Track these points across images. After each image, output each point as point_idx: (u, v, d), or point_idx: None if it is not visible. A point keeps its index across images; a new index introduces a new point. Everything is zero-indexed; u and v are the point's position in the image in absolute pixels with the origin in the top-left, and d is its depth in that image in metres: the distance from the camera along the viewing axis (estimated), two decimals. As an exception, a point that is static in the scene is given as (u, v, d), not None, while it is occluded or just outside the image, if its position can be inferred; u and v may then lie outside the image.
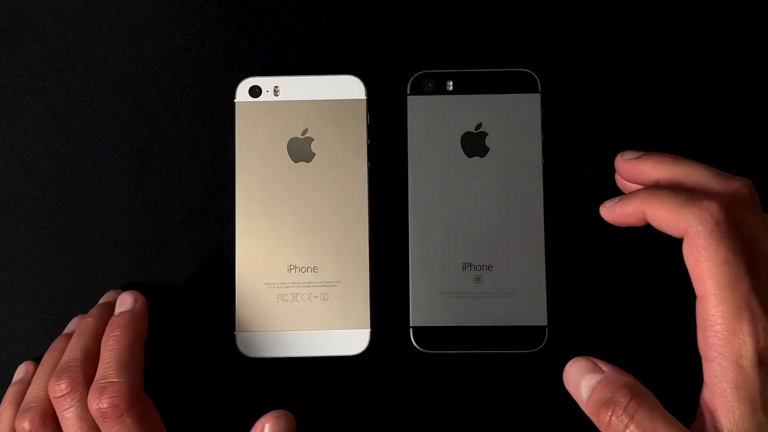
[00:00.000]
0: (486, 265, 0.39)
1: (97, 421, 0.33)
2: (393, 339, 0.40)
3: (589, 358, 0.32)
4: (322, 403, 0.40)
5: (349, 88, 0.40)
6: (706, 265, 0.30)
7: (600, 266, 0.40)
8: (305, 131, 0.40)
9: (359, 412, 0.40)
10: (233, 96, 0.41)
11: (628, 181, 0.38)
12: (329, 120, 0.40)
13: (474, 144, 0.40)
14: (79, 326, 0.38)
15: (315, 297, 0.39)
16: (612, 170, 0.40)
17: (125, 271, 0.41)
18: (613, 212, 0.36)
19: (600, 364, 0.32)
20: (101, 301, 0.40)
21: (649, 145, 0.41)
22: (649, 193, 0.33)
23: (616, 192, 0.40)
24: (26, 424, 0.34)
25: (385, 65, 0.42)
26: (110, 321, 0.37)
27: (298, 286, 0.39)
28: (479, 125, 0.40)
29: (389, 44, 0.42)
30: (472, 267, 0.39)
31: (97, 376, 0.34)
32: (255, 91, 0.40)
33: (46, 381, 0.36)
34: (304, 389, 0.40)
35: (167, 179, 0.41)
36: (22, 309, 0.41)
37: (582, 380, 0.32)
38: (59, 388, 0.34)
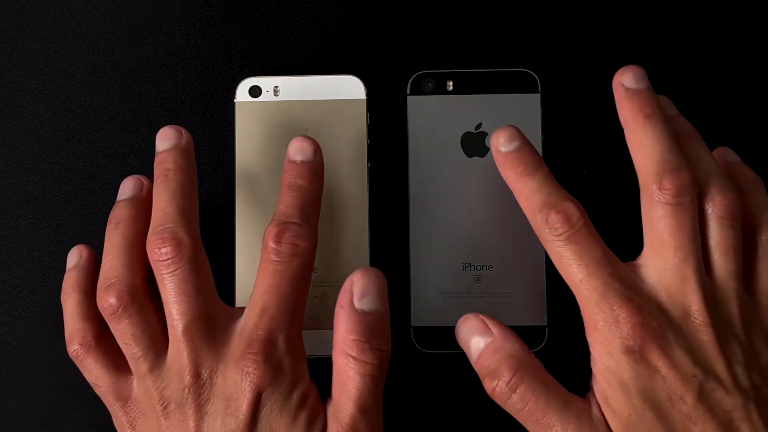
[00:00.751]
0: (486, 265, 0.39)
1: (264, 257, 0.32)
2: (393, 339, 0.40)
3: (480, 316, 0.34)
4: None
5: (349, 88, 0.40)
6: (562, 270, 0.33)
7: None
8: (305, 131, 0.40)
9: (359, 412, 0.40)
10: (233, 96, 0.41)
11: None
12: (329, 120, 0.40)
13: (474, 144, 0.40)
14: (162, 182, 0.34)
15: (315, 297, 0.39)
16: (612, 172, 0.40)
17: (125, 271, 0.40)
18: (497, 158, 0.35)
19: (490, 325, 0.33)
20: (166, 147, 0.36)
21: (649, 145, 0.41)
22: (523, 180, 0.34)
23: (616, 192, 0.40)
24: (113, 300, 0.32)
25: (385, 65, 0.42)
26: (292, 171, 0.35)
27: (298, 286, 0.39)
28: (479, 125, 0.40)
29: (389, 44, 0.42)
30: (472, 267, 0.39)
31: (279, 214, 0.33)
32: (255, 91, 0.40)
33: (122, 254, 0.34)
34: (304, 389, 0.40)
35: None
36: (22, 309, 0.41)
37: (471, 341, 0.33)
38: (165, 251, 0.32)
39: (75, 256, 0.37)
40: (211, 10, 0.42)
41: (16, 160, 0.41)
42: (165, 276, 0.32)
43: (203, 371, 0.31)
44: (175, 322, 0.32)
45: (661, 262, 0.32)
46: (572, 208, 0.32)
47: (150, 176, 0.41)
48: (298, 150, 0.36)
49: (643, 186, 0.33)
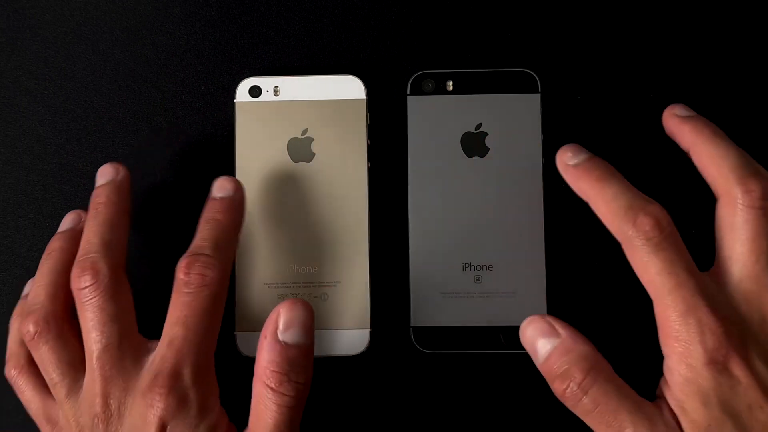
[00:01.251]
0: (486, 265, 0.39)
1: (175, 289, 0.33)
2: (393, 339, 0.40)
3: (546, 318, 0.33)
4: (322, 403, 0.40)
5: (349, 88, 0.40)
6: (646, 278, 0.32)
7: (600, 266, 0.40)
8: (305, 131, 0.40)
9: (359, 412, 0.40)
10: (233, 96, 0.41)
11: (670, 137, 0.37)
12: (329, 120, 0.40)
13: (474, 144, 0.40)
14: (89, 216, 0.36)
15: (315, 297, 0.39)
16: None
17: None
18: (567, 173, 0.35)
19: (557, 327, 0.32)
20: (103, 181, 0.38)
21: (649, 145, 0.41)
22: (599, 184, 0.33)
23: (616, 192, 0.40)
24: (31, 327, 0.34)
25: (385, 65, 0.42)
26: (212, 207, 0.36)
27: (298, 286, 0.39)
28: (479, 125, 0.40)
29: (389, 44, 0.42)
30: (472, 267, 0.39)
31: (192, 248, 0.34)
32: (255, 91, 0.40)
33: (47, 283, 0.35)
34: (304, 389, 0.40)
35: (167, 179, 0.41)
36: (22, 309, 0.41)
37: (538, 342, 0.32)
38: (83, 280, 0.33)
39: (28, 287, 0.39)
40: (211, 10, 0.42)
41: (16, 160, 0.41)
42: (83, 304, 0.33)
43: (112, 402, 0.32)
44: (90, 350, 0.33)
45: (741, 269, 0.31)
46: (661, 213, 0.32)
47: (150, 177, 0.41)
48: (219, 188, 0.37)
49: (724, 193, 0.33)
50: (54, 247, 0.37)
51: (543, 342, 0.32)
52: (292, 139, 0.40)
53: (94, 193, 0.37)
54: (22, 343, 0.35)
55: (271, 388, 0.31)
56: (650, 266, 0.31)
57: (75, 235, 0.37)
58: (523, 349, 0.39)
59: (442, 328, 0.39)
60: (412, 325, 0.39)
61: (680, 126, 0.35)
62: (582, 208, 0.41)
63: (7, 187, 0.41)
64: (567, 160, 0.35)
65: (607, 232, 0.40)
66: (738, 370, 0.30)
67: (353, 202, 0.40)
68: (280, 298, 0.39)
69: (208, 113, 0.41)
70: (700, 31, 0.41)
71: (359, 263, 0.39)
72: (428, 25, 0.42)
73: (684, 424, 0.30)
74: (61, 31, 0.42)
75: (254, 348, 0.39)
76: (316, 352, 0.39)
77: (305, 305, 0.33)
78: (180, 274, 0.33)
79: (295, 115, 0.40)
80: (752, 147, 0.41)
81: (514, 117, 0.40)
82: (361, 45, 0.42)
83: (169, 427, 0.31)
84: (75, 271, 0.33)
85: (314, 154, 0.40)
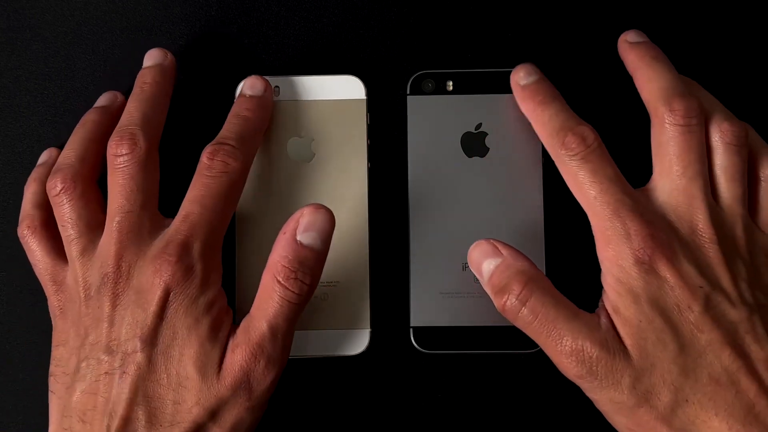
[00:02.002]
0: (486, 265, 0.39)
1: (198, 172, 0.35)
2: (393, 339, 0.40)
3: (491, 241, 0.35)
4: (322, 403, 0.40)
5: (349, 88, 0.40)
6: (575, 191, 0.34)
7: (600, 266, 0.40)
8: (305, 131, 0.40)
9: (359, 412, 0.40)
10: (234, 96, 0.41)
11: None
12: (329, 120, 0.40)
13: (474, 144, 0.40)
14: (135, 91, 0.38)
15: (315, 297, 0.39)
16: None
17: (125, 271, 0.40)
18: (516, 92, 0.38)
19: (500, 248, 0.35)
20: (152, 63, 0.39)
21: (649, 146, 0.41)
22: (540, 108, 0.36)
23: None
24: (58, 183, 0.35)
25: (385, 65, 0.42)
26: (241, 101, 0.38)
27: (298, 286, 0.39)
28: (479, 125, 0.40)
29: (389, 44, 0.42)
30: (472, 267, 0.39)
31: (218, 138, 0.36)
32: (255, 91, 0.40)
33: (78, 147, 0.37)
34: (304, 389, 0.40)
35: (167, 179, 0.41)
36: (22, 309, 0.41)
37: (483, 263, 0.35)
38: (120, 148, 0.35)
39: (45, 155, 0.40)
40: (211, 10, 0.42)
41: (16, 160, 0.41)
42: (116, 169, 0.35)
43: (123, 263, 0.33)
44: (112, 213, 0.34)
45: (670, 182, 0.34)
46: (587, 131, 0.34)
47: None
48: (249, 86, 0.39)
49: (653, 112, 0.35)
50: (88, 119, 0.38)
51: (487, 262, 0.34)
52: (292, 139, 0.40)
53: (141, 73, 0.38)
54: (38, 206, 0.37)
55: (279, 282, 0.33)
56: (579, 179, 0.34)
57: (109, 111, 0.39)
58: (524, 349, 0.39)
59: (442, 328, 0.39)
60: (411, 325, 0.39)
61: (627, 51, 0.37)
62: (582, 208, 0.41)
63: (7, 187, 0.41)
64: (519, 80, 0.38)
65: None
66: (665, 270, 0.31)
67: (353, 202, 0.40)
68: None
69: (209, 113, 0.41)
70: (700, 31, 0.41)
71: (359, 263, 0.39)
72: (428, 25, 0.42)
73: (617, 323, 0.32)
74: (61, 31, 0.42)
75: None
76: (317, 352, 0.39)
77: (327, 212, 0.34)
78: (204, 158, 0.35)
79: (295, 115, 0.40)
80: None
81: (514, 117, 0.40)
82: (361, 45, 0.42)
83: (171, 293, 0.33)
84: (114, 139, 0.35)
85: (314, 154, 0.40)
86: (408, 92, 0.41)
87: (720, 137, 0.34)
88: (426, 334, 0.39)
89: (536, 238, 0.39)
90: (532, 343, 0.39)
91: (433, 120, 0.40)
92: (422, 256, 0.39)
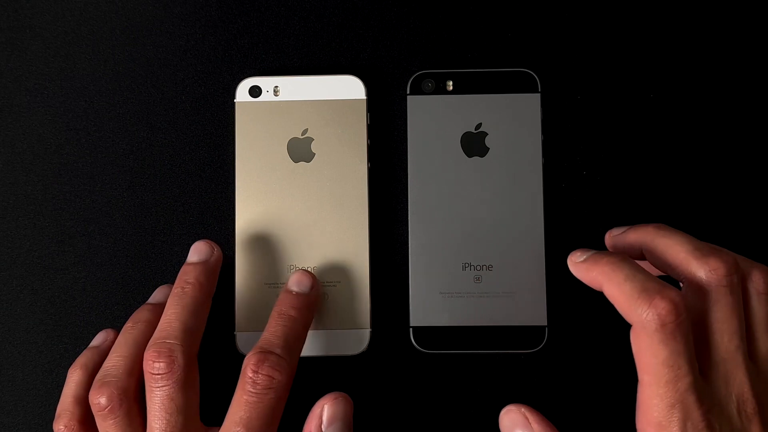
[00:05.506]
0: (486, 265, 0.39)
1: (240, 385, 0.34)
2: (393, 339, 0.40)
3: (523, 410, 0.34)
4: (322, 403, 0.40)
5: (349, 88, 0.40)
6: (646, 361, 0.30)
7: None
8: (305, 131, 0.40)
9: (359, 412, 0.40)
10: (233, 96, 0.41)
11: (620, 250, 0.37)
12: (329, 120, 0.40)
13: (474, 144, 0.40)
14: (176, 293, 0.36)
15: (315, 297, 0.39)
16: (612, 172, 0.41)
17: (125, 271, 0.41)
18: (578, 269, 0.35)
19: (531, 420, 0.33)
20: (197, 258, 0.38)
21: (649, 145, 0.41)
22: (610, 269, 0.32)
23: (615, 192, 0.41)
24: (103, 399, 0.34)
25: (385, 65, 0.42)
26: (289, 299, 0.36)
27: (298, 286, 0.39)
28: (479, 125, 0.40)
29: (389, 44, 0.42)
30: (472, 267, 0.39)
31: (262, 342, 0.34)
32: (255, 91, 0.40)
33: (125, 356, 0.35)
34: (305, 389, 0.40)
35: (167, 179, 0.41)
36: (22, 309, 0.41)
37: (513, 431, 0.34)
38: (158, 366, 0.33)
39: (101, 338, 0.39)
40: (211, 10, 0.42)
41: (16, 160, 0.41)
42: (154, 389, 0.34)
43: None
44: None
45: (716, 351, 0.31)
46: (678, 297, 0.30)
47: (150, 178, 0.41)
48: (295, 282, 0.37)
49: (688, 275, 0.32)
50: (141, 317, 0.37)
51: (516, 430, 0.34)
52: (292, 139, 0.40)
53: (184, 269, 0.37)
54: (78, 402, 0.36)
55: None
56: (656, 353, 0.30)
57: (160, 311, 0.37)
58: (524, 349, 0.39)
59: (442, 328, 0.39)
60: (411, 325, 0.39)
61: (623, 238, 0.36)
62: (582, 208, 0.41)
63: (7, 187, 0.41)
64: (576, 259, 0.35)
65: (606, 229, 0.40)
66: None
67: (353, 202, 0.40)
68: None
69: (208, 113, 0.41)
70: (700, 31, 0.41)
71: (359, 263, 0.39)
72: (428, 25, 0.42)
73: None
74: (61, 31, 0.42)
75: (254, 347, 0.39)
76: (317, 352, 0.39)
77: (346, 399, 0.34)
78: (248, 370, 0.33)
79: (295, 115, 0.40)
80: (752, 147, 0.41)
81: (514, 117, 0.40)
82: (361, 45, 0.42)
83: None
84: (150, 354, 0.34)
85: (314, 154, 0.40)
86: (408, 92, 0.41)
87: (752, 288, 0.32)
88: (426, 334, 0.39)
89: (536, 238, 0.39)
90: (532, 343, 0.39)
91: (433, 120, 0.40)
92: (422, 256, 0.39)
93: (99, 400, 0.34)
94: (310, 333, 0.39)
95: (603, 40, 0.41)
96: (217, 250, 0.38)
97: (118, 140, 0.41)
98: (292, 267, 0.39)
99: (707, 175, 0.41)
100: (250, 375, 0.33)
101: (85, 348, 0.40)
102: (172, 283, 0.37)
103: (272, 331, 0.35)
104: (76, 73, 0.42)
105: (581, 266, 0.34)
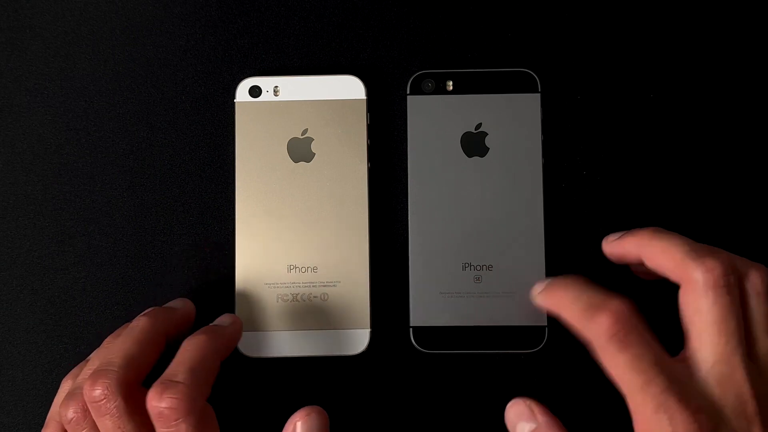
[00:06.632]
0: (486, 265, 0.39)
1: (153, 420, 0.32)
2: (393, 339, 0.40)
3: (528, 403, 0.34)
4: (322, 403, 0.40)
5: (349, 88, 0.40)
6: (614, 373, 0.31)
7: (600, 266, 0.40)
8: (305, 131, 0.40)
9: (359, 412, 0.40)
10: (233, 96, 0.41)
11: (618, 263, 0.37)
12: (329, 120, 0.40)
13: (474, 144, 0.40)
14: (130, 325, 0.35)
15: (315, 297, 0.39)
16: (612, 172, 0.41)
17: (125, 271, 0.41)
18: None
19: (536, 412, 0.34)
20: (168, 305, 0.38)
21: (649, 145, 0.41)
22: (559, 295, 0.34)
23: (615, 192, 0.41)
24: (70, 413, 0.33)
25: (385, 65, 0.42)
26: (202, 329, 0.36)
27: (298, 286, 0.39)
28: (479, 125, 0.40)
29: (389, 44, 0.42)
30: (472, 267, 0.39)
31: (165, 373, 0.33)
32: (255, 91, 0.40)
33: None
34: (305, 389, 0.40)
35: (167, 179, 0.41)
36: (22, 309, 0.41)
37: (517, 425, 0.34)
38: (95, 394, 0.32)
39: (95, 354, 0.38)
40: (211, 10, 0.42)
41: (16, 160, 0.41)
42: (97, 417, 0.33)
43: None
44: None
45: (712, 354, 0.31)
46: (621, 306, 0.31)
47: (150, 178, 0.41)
48: (217, 319, 0.38)
49: (683, 276, 0.32)
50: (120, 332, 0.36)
51: (522, 425, 0.34)
52: (292, 139, 0.40)
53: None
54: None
55: None
56: (618, 363, 0.31)
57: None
58: (524, 349, 0.39)
59: (442, 328, 0.39)
60: (411, 325, 0.39)
61: (620, 244, 0.36)
62: (582, 208, 0.41)
63: (7, 187, 0.41)
64: (535, 291, 0.36)
65: (605, 234, 0.40)
66: None
67: (353, 202, 0.40)
68: (280, 299, 0.39)
69: (208, 113, 0.41)
70: (700, 31, 0.41)
71: (359, 263, 0.39)
72: (428, 25, 0.42)
73: None
74: (61, 31, 0.42)
75: (254, 348, 0.39)
76: (317, 352, 0.39)
77: (320, 413, 0.34)
78: (149, 407, 0.32)
79: (295, 115, 0.40)
80: (752, 147, 0.41)
81: (514, 117, 0.40)
82: (361, 45, 0.42)
83: None
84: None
85: (314, 154, 0.40)
86: (408, 92, 0.41)
87: (750, 288, 0.32)
88: (426, 334, 0.39)
89: (536, 238, 0.39)
90: (532, 343, 0.39)
91: (433, 120, 0.40)
92: (422, 256, 0.39)
93: (66, 413, 0.33)
94: (310, 333, 0.39)
95: (603, 40, 0.41)
96: (188, 305, 0.38)
97: (118, 140, 0.41)
98: (292, 267, 0.39)
99: (707, 175, 0.41)
100: (154, 411, 0.32)
101: (84, 349, 0.40)
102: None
103: (176, 360, 0.34)
104: (76, 73, 0.42)
105: (539, 298, 0.36)
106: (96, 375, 0.33)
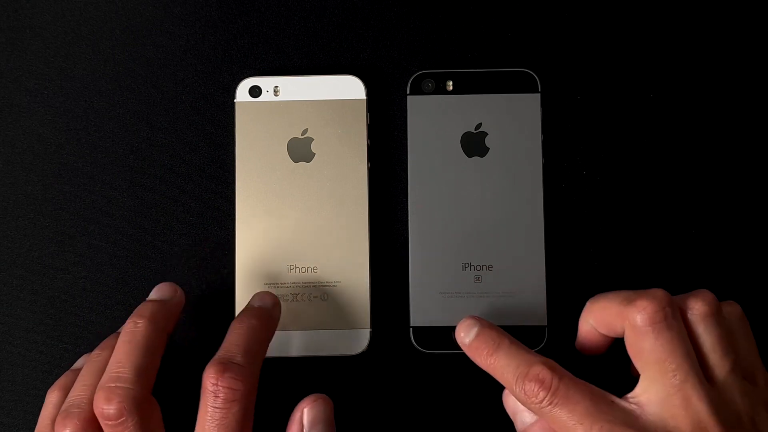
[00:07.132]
0: (486, 265, 0.39)
1: (205, 397, 0.32)
2: (393, 339, 0.40)
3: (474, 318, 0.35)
4: (322, 403, 0.40)
5: (349, 88, 0.40)
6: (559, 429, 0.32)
7: (600, 266, 0.40)
8: (305, 131, 0.40)
9: (359, 412, 0.40)
10: (233, 96, 0.41)
11: (595, 352, 0.37)
12: (329, 120, 0.40)
13: (474, 144, 0.40)
14: (128, 330, 0.34)
15: (315, 297, 0.39)
16: (612, 172, 0.41)
17: (125, 271, 0.41)
18: (466, 351, 0.36)
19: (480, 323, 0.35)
20: (158, 297, 0.37)
21: (649, 145, 0.41)
22: (491, 360, 0.34)
23: (615, 192, 0.41)
24: (68, 424, 0.32)
25: (385, 65, 0.42)
26: (250, 311, 0.35)
27: (298, 286, 0.39)
28: (479, 125, 0.40)
29: (389, 44, 0.42)
30: (472, 267, 0.39)
31: (221, 353, 0.33)
32: (255, 91, 0.40)
33: (90, 384, 0.34)
34: (305, 389, 0.40)
35: (167, 179, 0.41)
36: (22, 309, 0.41)
37: (517, 414, 0.35)
38: (110, 413, 0.32)
39: (82, 361, 0.38)
40: (211, 10, 0.42)
41: (16, 160, 0.41)
42: None
43: None
44: None
45: (662, 390, 0.31)
46: (544, 369, 0.32)
47: (150, 178, 0.41)
48: (258, 299, 0.37)
49: (622, 321, 0.33)
50: (108, 344, 0.36)
51: (522, 414, 0.35)
52: (292, 139, 0.40)
53: (140, 306, 0.36)
54: (52, 425, 0.34)
55: None
56: (558, 422, 0.31)
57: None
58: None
59: (442, 328, 0.39)
60: (411, 325, 0.39)
61: (581, 335, 0.36)
62: (582, 208, 0.41)
63: (7, 187, 0.41)
64: (462, 340, 0.36)
65: (606, 233, 0.40)
66: None
67: (353, 202, 0.40)
68: (280, 299, 0.39)
69: (208, 113, 0.41)
70: (700, 31, 0.41)
71: (359, 263, 0.39)
72: (428, 25, 0.42)
73: None
74: (61, 31, 0.42)
75: (254, 348, 0.39)
76: (317, 352, 0.39)
77: (326, 400, 0.34)
78: (208, 384, 0.32)
79: (295, 115, 0.40)
80: (752, 147, 0.41)
81: (514, 117, 0.40)
82: (361, 45, 0.42)
83: None
84: (100, 398, 0.32)
85: (314, 154, 0.40)
86: (408, 92, 0.41)
87: (694, 316, 0.32)
88: (426, 334, 0.39)
89: (536, 238, 0.39)
90: (532, 343, 0.39)
91: (433, 120, 0.40)
92: (422, 256, 0.39)
93: (63, 426, 0.32)
94: (310, 333, 0.39)
95: (603, 40, 0.41)
96: (179, 293, 0.37)
97: (118, 140, 0.41)
98: (291, 267, 0.39)
99: (707, 175, 0.41)
100: (211, 389, 0.32)
101: (84, 349, 0.40)
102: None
103: (231, 340, 0.34)
104: (76, 73, 0.42)
105: (467, 350, 0.36)
106: (109, 392, 0.32)
